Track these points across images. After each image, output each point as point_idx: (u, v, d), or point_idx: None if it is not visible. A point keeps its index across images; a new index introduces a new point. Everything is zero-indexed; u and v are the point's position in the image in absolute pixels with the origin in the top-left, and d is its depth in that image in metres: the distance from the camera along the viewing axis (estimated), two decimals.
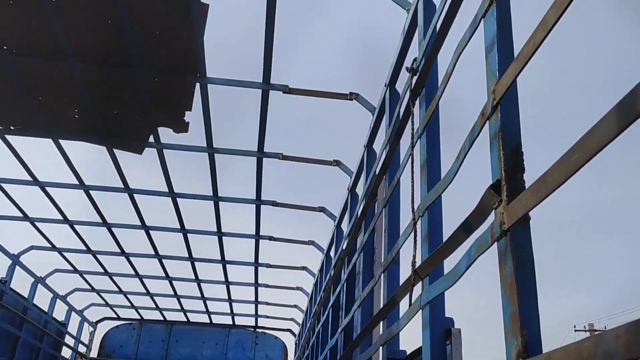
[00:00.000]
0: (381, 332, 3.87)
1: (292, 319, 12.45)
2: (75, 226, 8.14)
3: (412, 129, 3.30)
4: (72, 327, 11.49)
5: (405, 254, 3.35)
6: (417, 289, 3.00)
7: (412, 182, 3.22)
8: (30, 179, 6.70)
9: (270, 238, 8.34)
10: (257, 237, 8.24)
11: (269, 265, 9.47)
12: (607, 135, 1.30)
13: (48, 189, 6.99)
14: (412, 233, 3.08)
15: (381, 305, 3.85)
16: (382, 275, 4.01)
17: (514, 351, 1.74)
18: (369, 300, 4.51)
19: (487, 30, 2.25)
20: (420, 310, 2.89)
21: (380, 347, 3.83)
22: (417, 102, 3.36)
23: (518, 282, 1.80)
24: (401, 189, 4.01)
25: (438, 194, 2.79)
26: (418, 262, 2.93)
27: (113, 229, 8.13)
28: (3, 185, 6.94)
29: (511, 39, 2.19)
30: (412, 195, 3.19)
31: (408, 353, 3.68)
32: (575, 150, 1.43)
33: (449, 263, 2.61)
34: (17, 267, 8.73)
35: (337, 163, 6.11)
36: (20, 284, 9.06)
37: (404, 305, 3.28)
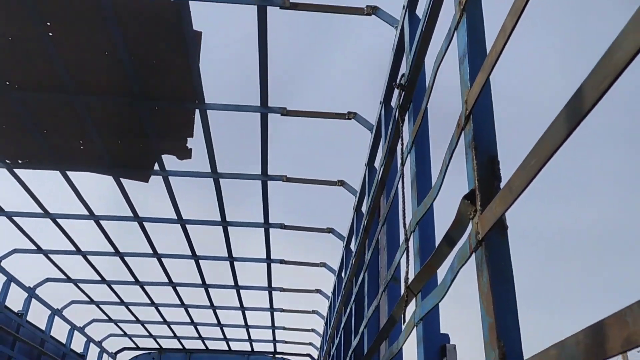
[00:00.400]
0: (383, 352, 3.81)
1: (310, 343, 12.32)
2: (89, 257, 8.23)
3: (402, 144, 3.29)
4: (92, 359, 11.53)
5: (404, 270, 3.31)
6: (412, 306, 2.96)
7: (403, 197, 3.21)
8: (41, 211, 6.81)
9: (282, 261, 8.32)
10: (269, 260, 8.23)
11: (282, 289, 9.43)
12: (559, 137, 1.29)
13: (59, 220, 7.09)
14: (405, 250, 3.05)
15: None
16: (384, 293, 3.97)
17: None
18: (375, 319, 4.45)
19: (459, 41, 2.26)
20: (415, 327, 2.84)
21: None
22: (405, 118, 3.35)
23: (494, 293, 1.76)
24: (399, 205, 3.99)
25: (427, 208, 2.77)
26: (411, 278, 2.90)
27: (126, 258, 8.20)
28: (15, 218, 7.06)
29: (484, 48, 2.18)
30: (404, 211, 3.17)
31: None
32: (533, 156, 1.42)
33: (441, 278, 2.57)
34: (34, 300, 8.81)
35: (341, 183, 6.11)
36: (37, 317, 9.15)
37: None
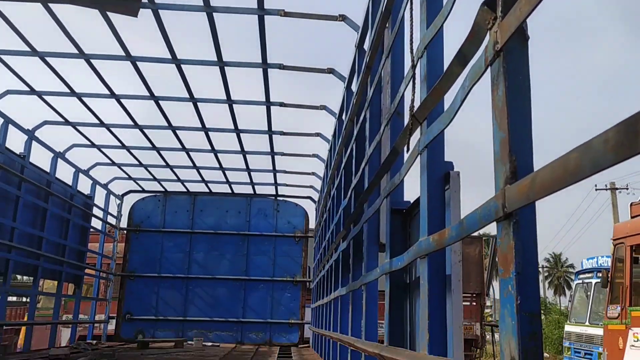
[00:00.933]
0: (384, 185, 3.82)
1: (311, 187, 12.68)
2: (85, 99, 8.07)
3: None
4: (99, 201, 11.92)
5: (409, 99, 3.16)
6: (417, 135, 2.87)
7: (411, 21, 2.96)
8: (28, 49, 6.50)
9: (281, 104, 8.19)
10: (268, 103, 8.09)
11: (282, 133, 9.41)
12: None
13: (48, 59, 6.81)
14: (412, 77, 2.88)
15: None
16: (386, 128, 3.88)
17: (502, 177, 1.62)
18: (376, 155, 4.43)
19: None
20: (419, 155, 2.78)
21: (385, 199, 3.81)
22: None
23: (509, 106, 1.64)
24: (405, 32, 3.73)
25: (437, 29, 2.55)
26: (417, 107, 2.77)
27: (122, 100, 8.04)
28: (3, 57, 6.77)
29: None
30: (411, 36, 2.95)
31: (411, 202, 3.66)
32: None
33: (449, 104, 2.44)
34: (35, 145, 8.82)
35: (342, 18, 5.75)
36: (40, 162, 9.24)
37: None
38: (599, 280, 13.92)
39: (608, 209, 27.41)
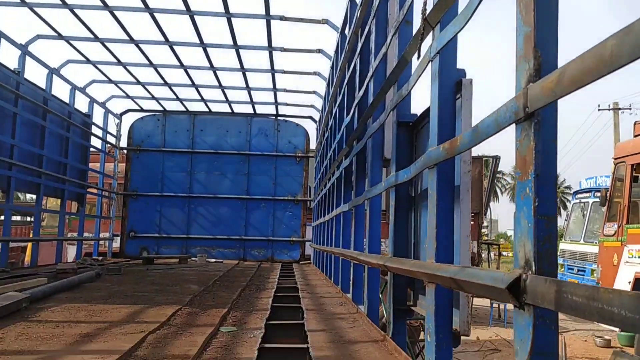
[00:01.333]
0: (390, 97, 3.72)
1: (311, 106, 12.52)
2: (77, 10, 7.75)
3: None
4: (98, 120, 11.78)
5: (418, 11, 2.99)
6: (428, 42, 2.75)
7: None
8: None
9: (282, 18, 7.89)
10: (268, 17, 7.79)
11: (283, 49, 9.14)
12: None
13: None
14: None
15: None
16: (393, 38, 3.73)
17: (525, 76, 1.54)
18: (382, 68, 4.29)
19: None
20: (430, 62, 2.67)
21: (391, 112, 3.73)
22: None
23: None
24: None
25: None
26: (430, 10, 2.63)
27: (115, 12, 7.73)
28: None
29: None
30: None
31: (418, 115, 3.58)
32: None
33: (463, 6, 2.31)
34: (29, 61, 8.56)
35: None
36: (35, 80, 9.01)
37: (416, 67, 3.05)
38: (596, 199, 14.10)
39: (608, 130, 27.28)
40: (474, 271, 1.90)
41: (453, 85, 2.62)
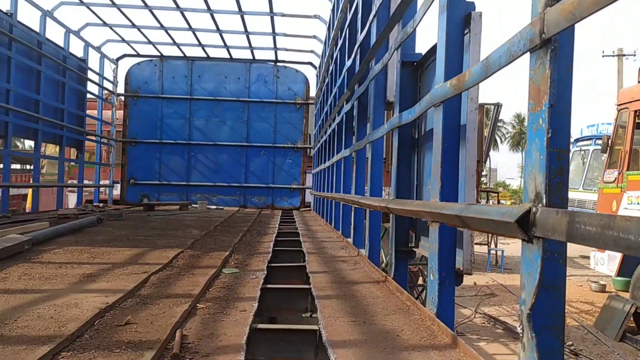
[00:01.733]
0: (395, 36, 3.61)
1: (312, 51, 12.28)
2: None
3: None
4: (93, 65, 11.57)
5: None
6: None
7: None
8: None
9: None
10: None
11: None
12: None
13: None
14: None
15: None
16: None
17: (542, 0, 1.46)
18: (386, 6, 4.15)
19: None
20: None
21: (395, 52, 3.62)
22: None
23: None
24: None
25: None
26: None
27: None
28: None
29: None
30: None
31: (423, 54, 3.48)
32: None
33: None
34: (21, 3, 8.30)
35: None
36: (28, 23, 8.76)
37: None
38: (597, 147, 14.05)
39: (612, 79, 26.95)
40: (481, 207, 1.87)
41: (462, 19, 2.52)
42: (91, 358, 1.83)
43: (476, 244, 21.05)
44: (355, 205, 5.08)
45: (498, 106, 19.59)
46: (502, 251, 18.93)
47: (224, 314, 2.50)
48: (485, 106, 19.01)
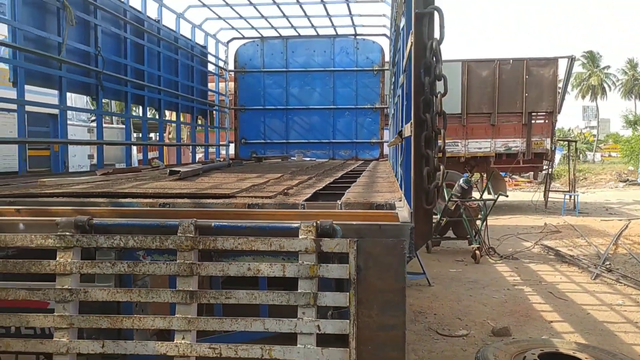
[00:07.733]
0: None
1: (384, 26, 14.59)
2: None
3: None
4: (211, 49, 14.70)
5: None
6: None
7: None
8: None
9: None
10: None
11: None
12: None
13: None
14: None
15: None
16: None
17: None
18: None
19: None
20: None
21: None
22: None
23: None
24: None
25: None
26: None
27: None
28: None
29: None
30: None
31: None
32: None
33: None
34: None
35: None
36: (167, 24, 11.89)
37: None
38: None
39: None
40: None
41: None
42: (251, 196, 4.62)
43: (553, 190, 22.04)
44: None
45: (572, 59, 20.57)
46: (577, 195, 20.29)
47: (304, 188, 5.24)
48: (559, 59, 19.90)
